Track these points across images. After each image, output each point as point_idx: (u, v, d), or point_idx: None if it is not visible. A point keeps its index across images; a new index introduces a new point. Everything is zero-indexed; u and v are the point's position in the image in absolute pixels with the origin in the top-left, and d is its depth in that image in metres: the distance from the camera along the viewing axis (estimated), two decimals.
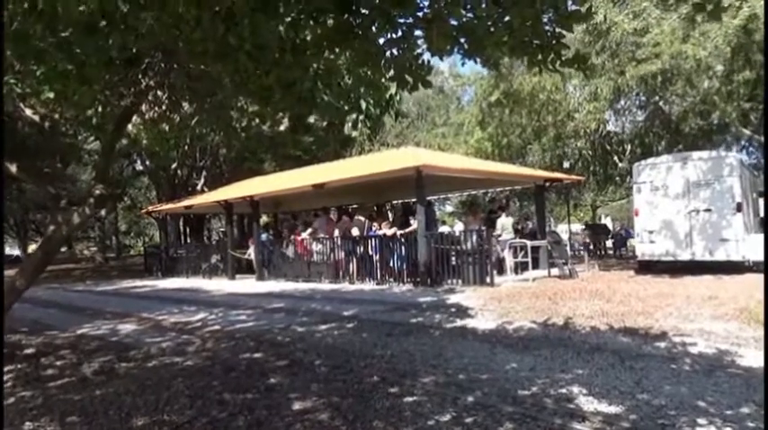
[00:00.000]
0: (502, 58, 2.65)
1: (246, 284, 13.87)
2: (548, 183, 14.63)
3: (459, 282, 10.68)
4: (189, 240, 26.35)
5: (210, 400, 3.78)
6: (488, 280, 10.34)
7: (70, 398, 3.99)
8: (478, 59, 2.62)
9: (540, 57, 2.58)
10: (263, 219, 25.01)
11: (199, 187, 24.49)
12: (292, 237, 14.39)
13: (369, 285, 11.83)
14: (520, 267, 11.95)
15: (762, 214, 11.84)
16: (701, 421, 3.16)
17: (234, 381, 4.32)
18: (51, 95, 4.47)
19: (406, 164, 11.36)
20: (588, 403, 3.53)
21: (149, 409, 3.65)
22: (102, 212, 32.61)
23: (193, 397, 3.87)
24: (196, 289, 13.35)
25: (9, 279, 4.88)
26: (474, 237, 10.78)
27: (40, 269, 5.11)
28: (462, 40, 2.38)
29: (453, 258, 10.87)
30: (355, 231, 12.88)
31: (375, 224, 12.61)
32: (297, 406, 3.66)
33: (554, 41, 2.51)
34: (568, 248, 12.14)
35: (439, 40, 2.28)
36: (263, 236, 15.45)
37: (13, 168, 4.98)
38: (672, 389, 3.77)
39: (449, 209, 37.29)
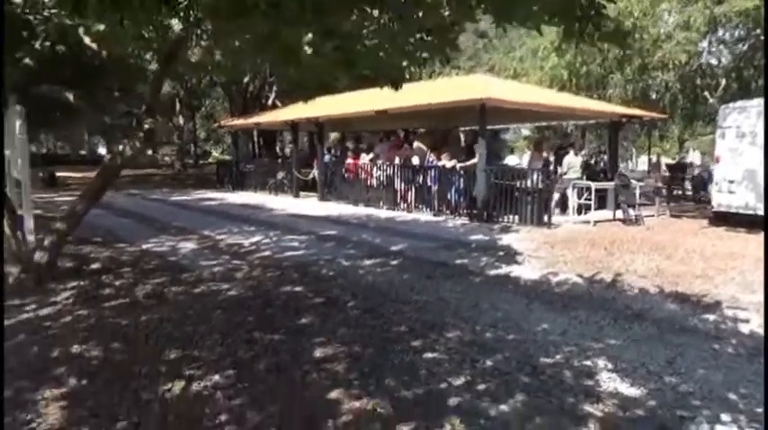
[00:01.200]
0: (532, 27, 2.39)
1: (308, 204, 14.22)
2: (625, 119, 13.71)
3: (517, 219, 10.46)
4: (262, 153, 27.06)
5: (240, 339, 3.98)
6: (546, 220, 10.05)
7: (119, 322, 4.32)
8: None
9: (577, 27, 2.29)
10: (335, 135, 25.26)
11: (270, 102, 24.77)
12: (349, 161, 14.43)
13: (425, 215, 11.82)
14: (584, 208, 11.52)
15: None
16: (724, 417, 3.02)
17: (268, 319, 4.51)
18: (102, 28, 4.50)
19: (470, 95, 10.92)
20: (609, 381, 3.45)
21: (184, 342, 3.89)
22: (181, 121, 33.87)
23: (226, 333, 4.09)
24: (260, 206, 13.83)
25: (71, 203, 5.22)
26: (535, 175, 10.41)
27: (99, 195, 5.42)
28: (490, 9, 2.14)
29: (514, 194, 10.58)
30: (415, 160, 12.74)
31: (432, 155, 12.38)
32: (318, 353, 3.79)
33: (593, 12, 2.21)
34: (638, 191, 11.50)
35: (460, 12, 2.06)
36: (327, 157, 15.59)
37: (71, 97, 5.17)
38: (706, 374, 3.60)
39: (525, 133, 35.87)
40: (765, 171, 8.91)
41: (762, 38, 12.01)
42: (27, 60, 5.15)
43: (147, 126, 4.94)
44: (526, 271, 6.54)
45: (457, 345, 4.02)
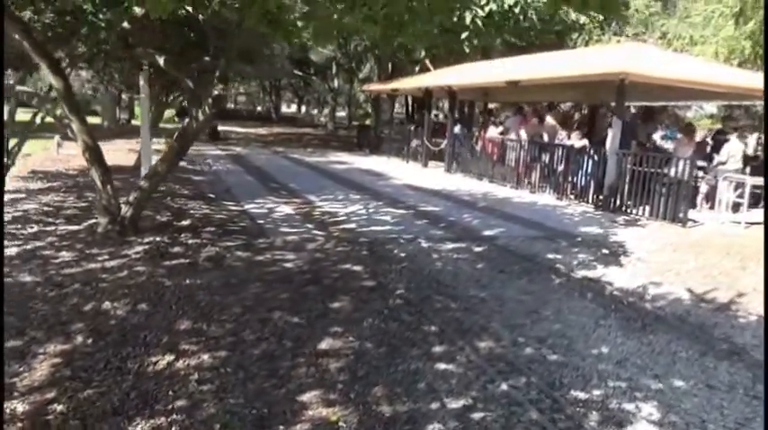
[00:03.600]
0: None
1: (431, 175, 13.93)
2: None
3: (648, 211, 9.17)
4: (414, 118, 27.07)
5: (256, 318, 3.89)
6: (681, 217, 8.67)
7: (163, 282, 4.49)
8: None
9: None
10: (495, 106, 24.50)
11: (417, 67, 24.49)
12: (480, 133, 13.76)
13: (546, 198, 10.91)
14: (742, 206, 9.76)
15: None
16: None
17: (301, 298, 4.38)
18: None
19: (609, 67, 9.68)
20: None
21: (202, 314, 3.90)
22: (335, 84, 35.07)
23: (247, 309, 4.04)
24: (381, 174, 13.83)
25: (154, 163, 5.54)
26: (680, 165, 8.98)
27: (179, 157, 5.68)
28: None
29: (648, 184, 9.25)
30: (544, 137, 11.75)
31: (563, 132, 11.29)
32: (325, 344, 3.57)
33: None
34: None
35: None
36: (457, 128, 15.06)
37: (161, 61, 5.39)
38: None
39: (711, 110, 31.39)
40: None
41: None
42: (125, 24, 5.43)
43: (216, 92, 5.01)
44: (623, 276, 5.66)
45: (481, 359, 3.55)
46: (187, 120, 5.36)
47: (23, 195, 7.64)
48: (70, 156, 13.37)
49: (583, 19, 17.87)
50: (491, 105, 27.16)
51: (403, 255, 6.01)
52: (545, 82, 10.96)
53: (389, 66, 24.58)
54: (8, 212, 6.49)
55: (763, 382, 3.44)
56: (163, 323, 3.70)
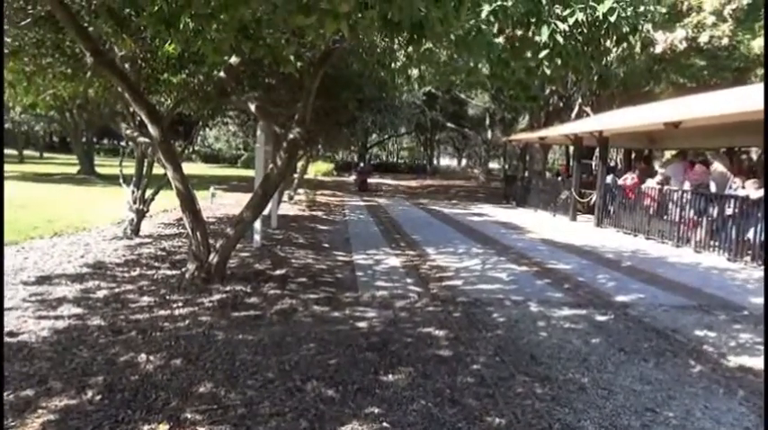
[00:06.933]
0: None
1: (577, 230, 12.58)
2: None
3: None
4: (571, 168, 25.43)
5: (285, 386, 3.35)
6: None
7: (215, 336, 4.18)
8: None
9: None
10: (668, 155, 22.18)
11: (573, 114, 23.08)
12: (627, 182, 12.13)
13: (715, 259, 9.07)
14: None
15: None
16: None
17: (350, 366, 3.76)
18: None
19: None
20: None
21: (230, 376, 3.46)
22: (488, 135, 34.51)
23: (281, 374, 3.52)
24: (517, 227, 12.81)
25: (240, 211, 5.44)
26: None
27: (263, 205, 5.51)
28: None
29: None
30: (712, 186, 9.92)
31: (737, 181, 9.38)
32: (346, 428, 2.91)
33: None
34: None
35: None
36: (609, 178, 13.53)
37: (253, 107, 5.33)
38: None
39: None
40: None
41: None
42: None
43: (291, 136, 4.74)
44: None
45: None
46: (270, 167, 5.18)
47: (150, 240, 8.12)
48: (222, 205, 14.43)
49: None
50: (667, 154, 24.53)
51: (502, 319, 5.12)
52: (710, 122, 9.31)
53: (542, 114, 23.46)
54: (125, 256, 6.86)
55: None
56: (183, 383, 3.33)
